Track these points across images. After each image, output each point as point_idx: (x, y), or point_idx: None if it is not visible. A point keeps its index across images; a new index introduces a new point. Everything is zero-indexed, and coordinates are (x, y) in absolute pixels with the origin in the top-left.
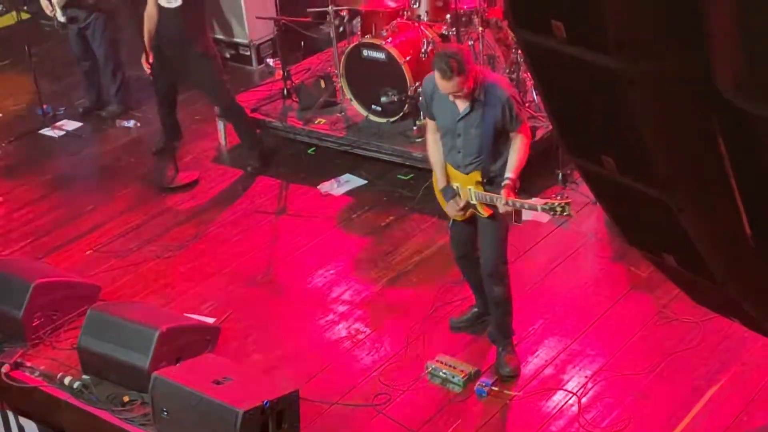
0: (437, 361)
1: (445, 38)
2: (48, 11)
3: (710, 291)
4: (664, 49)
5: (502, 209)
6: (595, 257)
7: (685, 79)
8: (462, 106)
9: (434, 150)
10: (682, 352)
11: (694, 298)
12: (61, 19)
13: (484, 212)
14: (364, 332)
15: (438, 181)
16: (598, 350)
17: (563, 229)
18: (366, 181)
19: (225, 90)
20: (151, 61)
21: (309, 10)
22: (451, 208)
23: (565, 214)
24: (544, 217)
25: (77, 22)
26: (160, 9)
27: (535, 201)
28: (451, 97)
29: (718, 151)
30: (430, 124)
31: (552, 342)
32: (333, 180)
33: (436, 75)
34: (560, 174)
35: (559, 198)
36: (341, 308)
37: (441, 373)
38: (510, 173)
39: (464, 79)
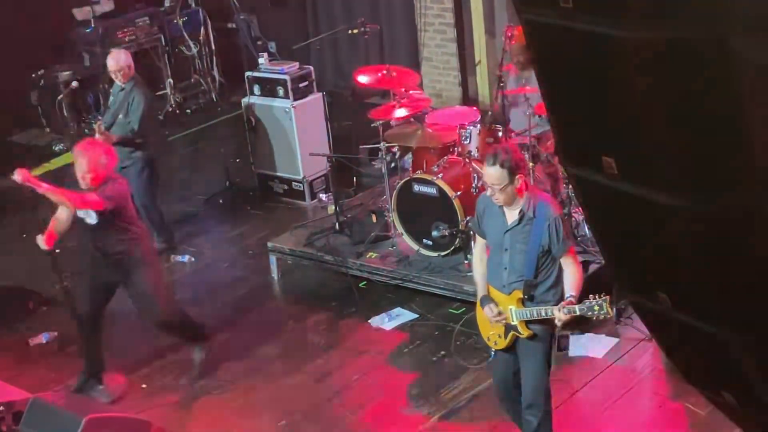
0: None
1: None
2: None
3: None
4: (721, 188)
5: (557, 318)
6: (652, 395)
7: (744, 219)
8: (511, 218)
9: (478, 264)
10: None
11: None
12: None
13: (524, 332)
14: None
15: (478, 292)
16: None
17: (618, 365)
18: (417, 316)
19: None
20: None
21: (361, 146)
22: (489, 312)
23: (602, 312)
24: (599, 353)
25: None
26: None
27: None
28: (497, 200)
29: None
30: (479, 242)
31: None
32: (384, 314)
33: (485, 165)
34: (614, 309)
35: (596, 297)
36: None
37: None
38: (573, 291)
39: (511, 175)
